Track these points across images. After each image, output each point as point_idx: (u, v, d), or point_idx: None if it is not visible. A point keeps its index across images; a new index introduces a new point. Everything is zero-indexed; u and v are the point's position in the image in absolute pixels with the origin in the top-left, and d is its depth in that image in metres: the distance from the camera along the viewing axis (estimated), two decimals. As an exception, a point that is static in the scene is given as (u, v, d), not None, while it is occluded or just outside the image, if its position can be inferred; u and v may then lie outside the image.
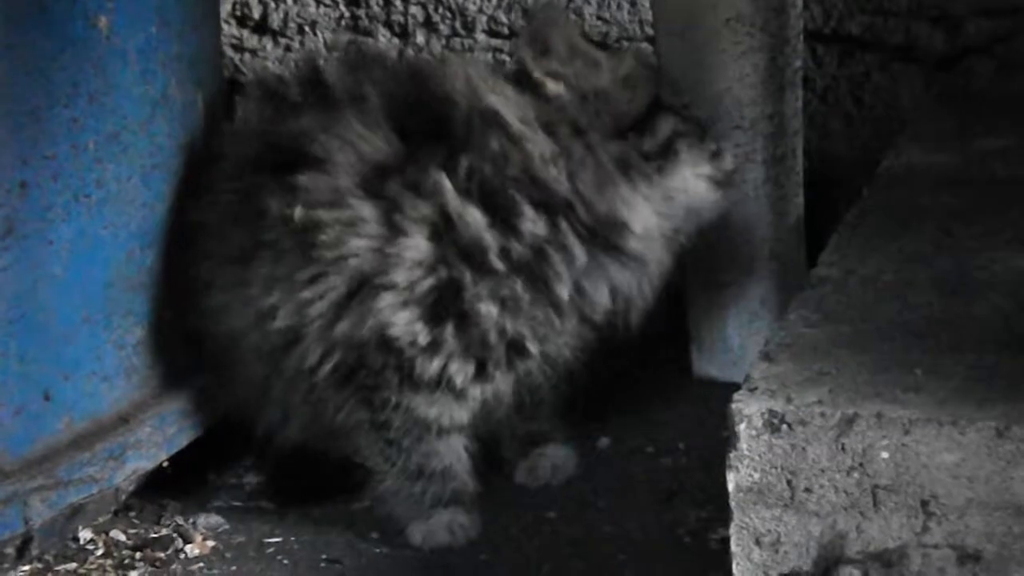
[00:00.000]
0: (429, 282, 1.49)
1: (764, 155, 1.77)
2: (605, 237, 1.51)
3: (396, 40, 2.12)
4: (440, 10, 2.11)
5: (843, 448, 1.23)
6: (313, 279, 1.50)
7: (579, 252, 1.50)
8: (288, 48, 2.15)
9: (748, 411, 1.25)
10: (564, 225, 1.49)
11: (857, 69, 2.02)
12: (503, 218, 1.49)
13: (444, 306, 1.49)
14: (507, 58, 2.06)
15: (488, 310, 1.49)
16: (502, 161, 1.49)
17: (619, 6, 2.06)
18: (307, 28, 2.15)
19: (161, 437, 1.62)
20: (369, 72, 1.58)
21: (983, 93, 1.92)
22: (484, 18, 2.11)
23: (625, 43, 2.04)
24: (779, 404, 1.25)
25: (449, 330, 1.49)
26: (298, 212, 1.50)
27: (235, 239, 1.55)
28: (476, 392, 1.53)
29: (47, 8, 1.47)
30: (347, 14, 2.14)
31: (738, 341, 1.82)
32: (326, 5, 2.15)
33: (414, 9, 2.12)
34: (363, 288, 1.49)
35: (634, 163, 1.51)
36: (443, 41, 2.11)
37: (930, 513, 1.22)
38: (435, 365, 1.50)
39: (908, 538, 1.22)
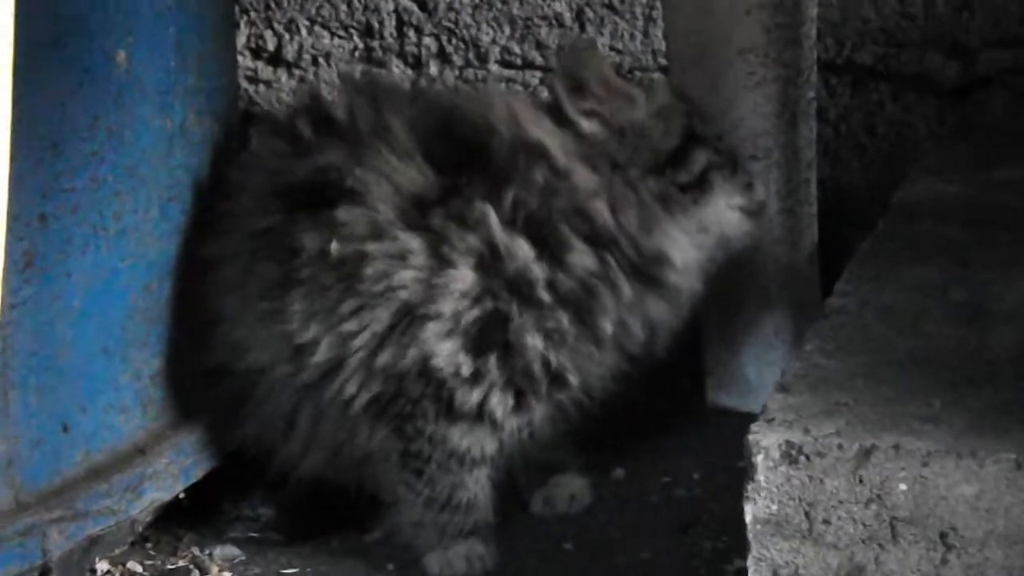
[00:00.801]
0: (475, 313, 1.50)
1: (778, 185, 1.77)
2: (648, 272, 1.53)
3: (410, 71, 2.13)
4: (454, 41, 2.13)
5: (861, 480, 1.23)
6: (355, 311, 1.51)
7: (625, 287, 1.52)
8: (303, 79, 2.17)
9: (766, 443, 1.25)
10: (611, 260, 1.51)
11: (871, 99, 2.03)
12: (551, 251, 1.51)
13: (489, 337, 1.50)
14: (520, 88, 2.07)
15: (534, 342, 1.51)
16: (548, 194, 1.51)
17: (632, 36, 2.07)
18: (321, 59, 2.17)
19: (178, 468, 1.62)
20: (388, 103, 1.59)
21: (997, 124, 1.93)
22: (497, 49, 2.12)
23: (638, 73, 2.06)
24: (796, 435, 1.25)
25: (493, 361, 1.50)
26: (335, 246, 1.50)
27: (261, 274, 1.55)
28: (513, 424, 1.54)
29: (66, 43, 1.48)
30: (361, 45, 2.16)
31: (753, 371, 1.82)
32: (340, 36, 2.17)
33: (427, 40, 2.13)
34: (407, 319, 1.50)
35: (673, 197, 1.53)
36: (456, 72, 2.12)
37: (949, 546, 1.22)
38: (475, 396, 1.51)
39: (927, 570, 1.22)
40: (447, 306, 1.49)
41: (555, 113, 1.54)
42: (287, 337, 1.54)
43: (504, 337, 1.50)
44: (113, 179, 1.54)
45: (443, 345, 1.50)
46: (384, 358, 1.51)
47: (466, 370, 1.50)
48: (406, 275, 1.50)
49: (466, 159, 1.53)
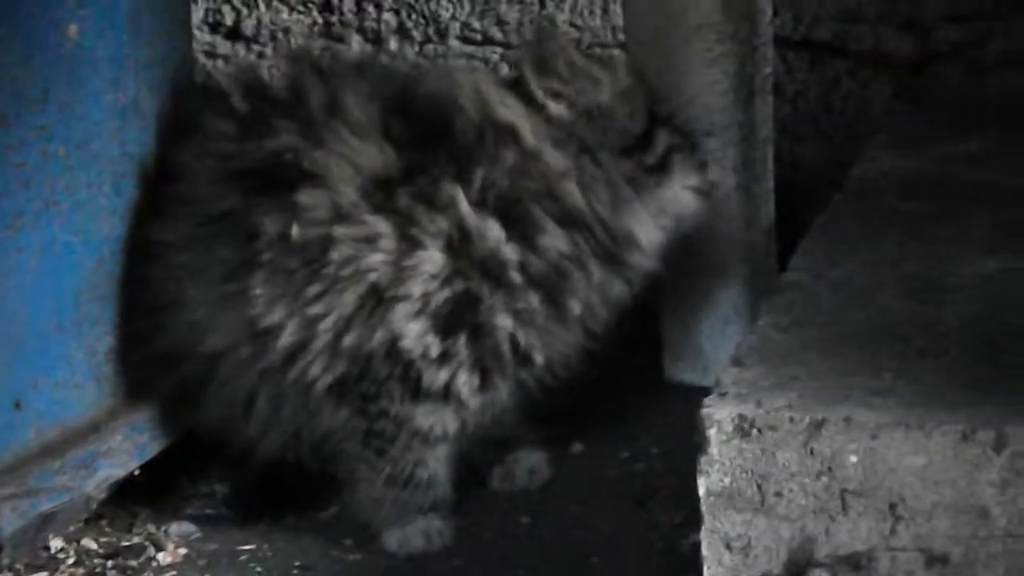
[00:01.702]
0: (444, 294, 1.50)
1: (734, 161, 1.77)
2: (615, 253, 1.54)
3: (369, 47, 2.12)
4: (413, 16, 2.12)
5: (812, 452, 1.24)
6: (321, 294, 1.51)
7: (595, 268, 1.53)
8: (261, 55, 2.15)
9: (718, 416, 1.26)
10: (582, 242, 1.52)
11: (827, 75, 2.04)
12: (521, 232, 1.51)
13: (458, 318, 1.50)
14: (481, 65, 2.07)
15: (504, 323, 1.51)
16: (518, 175, 1.51)
17: (591, 13, 2.07)
18: (280, 34, 2.15)
19: (132, 445, 1.61)
20: (338, 78, 1.58)
21: (952, 98, 1.94)
22: (457, 25, 2.11)
23: (598, 49, 2.05)
24: (749, 409, 1.25)
25: (462, 342, 1.51)
26: (296, 231, 1.49)
27: (220, 258, 1.54)
28: (477, 402, 1.54)
29: (16, 15, 1.47)
30: (320, 20, 2.14)
31: (710, 346, 1.83)
32: (299, 12, 2.15)
33: (387, 16, 2.12)
34: (375, 301, 1.50)
35: (639, 179, 1.54)
36: (416, 48, 2.12)
37: (898, 516, 1.23)
38: (443, 376, 1.52)
39: (876, 541, 1.23)
40: (416, 288, 1.49)
41: (522, 94, 1.53)
42: (248, 320, 1.53)
43: (474, 318, 1.51)
44: (64, 154, 1.53)
45: (411, 326, 1.50)
46: (350, 339, 1.51)
47: (434, 351, 1.51)
48: (375, 258, 1.49)
49: (429, 137, 1.52)
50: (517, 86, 1.54)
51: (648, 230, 1.54)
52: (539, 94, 1.52)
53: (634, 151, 1.54)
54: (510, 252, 1.51)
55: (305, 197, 1.50)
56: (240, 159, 1.56)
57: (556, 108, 1.53)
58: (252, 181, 1.54)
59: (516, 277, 1.51)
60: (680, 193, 1.57)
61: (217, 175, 1.57)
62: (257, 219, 1.52)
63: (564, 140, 1.52)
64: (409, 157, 1.52)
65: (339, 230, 1.49)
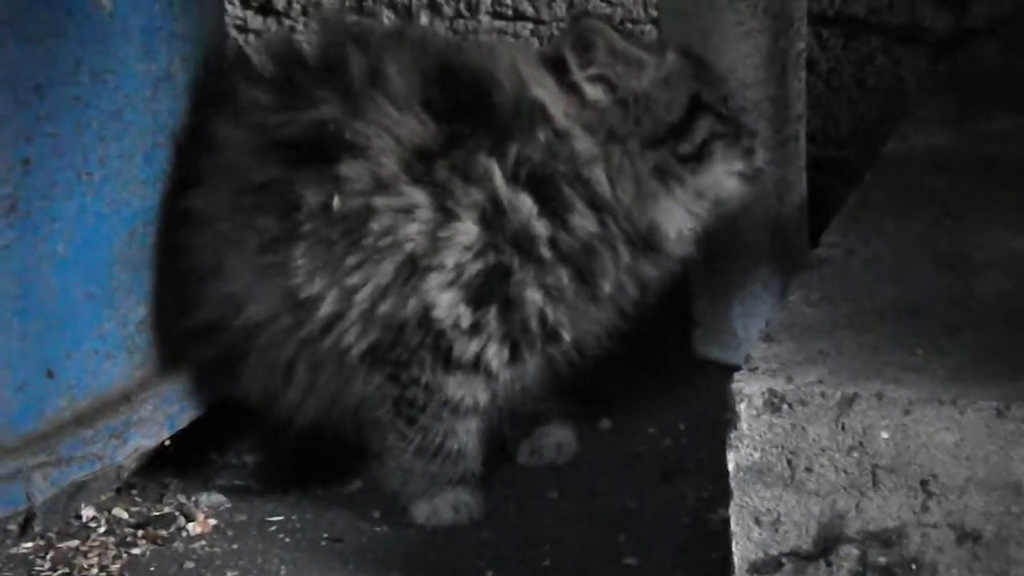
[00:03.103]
0: (477, 266, 1.50)
1: (767, 137, 1.76)
2: (644, 239, 1.54)
3: (398, 21, 2.11)
4: (444, -9, 2.11)
5: (843, 428, 1.23)
6: (360, 264, 1.51)
7: (624, 251, 1.53)
8: (292, 29, 2.15)
9: (749, 391, 1.25)
10: (612, 224, 1.52)
11: (861, 51, 2.02)
12: (552, 209, 1.51)
13: (490, 290, 1.51)
14: (516, 40, 2.06)
15: (533, 297, 1.52)
16: (550, 154, 1.51)
17: (623, -12, 2.06)
18: (311, 9, 2.15)
19: (163, 415, 1.62)
20: (380, 48, 1.58)
21: (987, 75, 1.92)
22: (488, 0, 2.10)
23: (630, 25, 2.04)
24: (779, 384, 1.25)
25: (492, 314, 1.51)
26: (337, 202, 1.50)
27: (260, 229, 1.55)
28: (507, 375, 1.55)
29: (50, -16, 1.47)
30: (351, -5, 2.14)
31: (740, 323, 1.82)
32: (330, -14, 2.15)
33: (418, -10, 2.12)
34: (410, 270, 1.51)
35: (670, 169, 1.53)
36: (447, 23, 2.11)
37: (930, 492, 1.22)
38: (473, 347, 1.52)
39: (907, 517, 1.22)
40: (450, 258, 1.50)
41: (560, 74, 1.53)
42: (289, 291, 1.54)
43: (505, 291, 1.51)
44: (97, 124, 1.53)
45: (444, 296, 1.50)
46: (384, 308, 1.52)
47: (465, 322, 1.51)
48: (412, 228, 1.50)
49: (468, 110, 1.52)
50: (557, 66, 1.53)
51: (676, 221, 1.54)
52: (577, 76, 1.52)
53: (668, 140, 1.53)
54: (541, 227, 1.51)
55: (346, 168, 1.51)
56: (281, 130, 1.56)
57: (593, 92, 1.52)
58: (293, 152, 1.54)
59: (546, 252, 1.51)
60: (723, 178, 1.56)
61: (257, 145, 1.57)
62: (298, 190, 1.52)
63: (596, 126, 1.52)
64: (448, 129, 1.52)
65: (379, 201, 1.50)
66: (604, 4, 2.06)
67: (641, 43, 1.58)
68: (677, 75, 1.56)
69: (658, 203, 1.53)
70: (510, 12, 2.09)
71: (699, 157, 1.54)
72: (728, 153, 1.56)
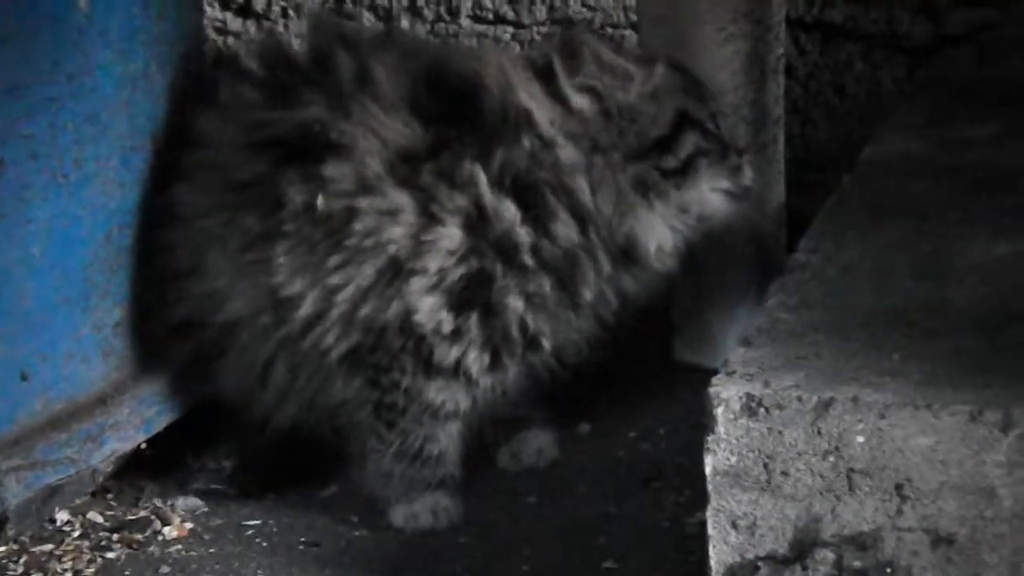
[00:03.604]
0: (460, 271, 1.51)
1: (745, 142, 1.77)
2: (623, 252, 1.54)
3: (380, 24, 2.11)
4: (425, -5, 2.11)
5: (819, 432, 1.23)
6: (342, 265, 1.51)
7: (605, 262, 1.53)
8: (272, 31, 2.14)
9: (726, 395, 1.25)
10: (593, 235, 1.51)
11: (839, 57, 2.03)
12: (535, 216, 1.51)
13: (471, 296, 1.51)
14: (503, 45, 2.06)
15: (515, 304, 1.52)
16: (533, 162, 1.51)
17: (603, -8, 2.06)
18: (291, 11, 2.15)
19: (139, 419, 1.62)
20: (368, 50, 1.58)
21: (964, 82, 1.93)
22: (469, 3, 2.10)
23: (610, 29, 2.05)
24: (757, 388, 1.25)
25: (473, 320, 1.51)
26: (321, 201, 1.50)
27: (243, 226, 1.55)
28: (487, 381, 1.55)
29: (26, -15, 1.47)
30: (331, -2, 2.14)
31: (719, 327, 1.82)
32: (310, -11, 2.15)
33: (399, -7, 2.12)
34: (392, 273, 1.51)
35: (652, 183, 1.53)
36: (428, 26, 2.11)
37: (904, 497, 1.22)
38: (454, 353, 1.52)
39: (883, 521, 1.23)
40: (433, 263, 1.50)
41: (547, 81, 1.53)
42: (270, 289, 1.53)
43: (487, 297, 1.51)
44: (73, 126, 1.53)
45: (426, 300, 1.50)
46: (366, 310, 1.52)
47: (447, 327, 1.51)
48: (396, 231, 1.50)
49: (455, 114, 1.52)
50: (545, 73, 1.53)
51: (657, 235, 1.54)
52: (564, 85, 1.52)
53: (651, 154, 1.53)
54: (524, 234, 1.51)
55: (331, 169, 1.51)
56: (267, 128, 1.56)
57: (579, 101, 1.52)
58: (278, 150, 1.54)
59: (528, 259, 1.52)
60: (708, 195, 1.56)
61: (243, 143, 1.57)
62: (283, 189, 1.52)
63: (580, 135, 1.52)
64: (434, 133, 1.52)
65: (363, 202, 1.50)
66: (584, 9, 2.07)
67: (631, 55, 1.58)
68: (665, 89, 1.56)
69: (638, 216, 1.53)
70: (491, 16, 2.10)
71: (683, 172, 1.54)
72: (714, 170, 1.56)
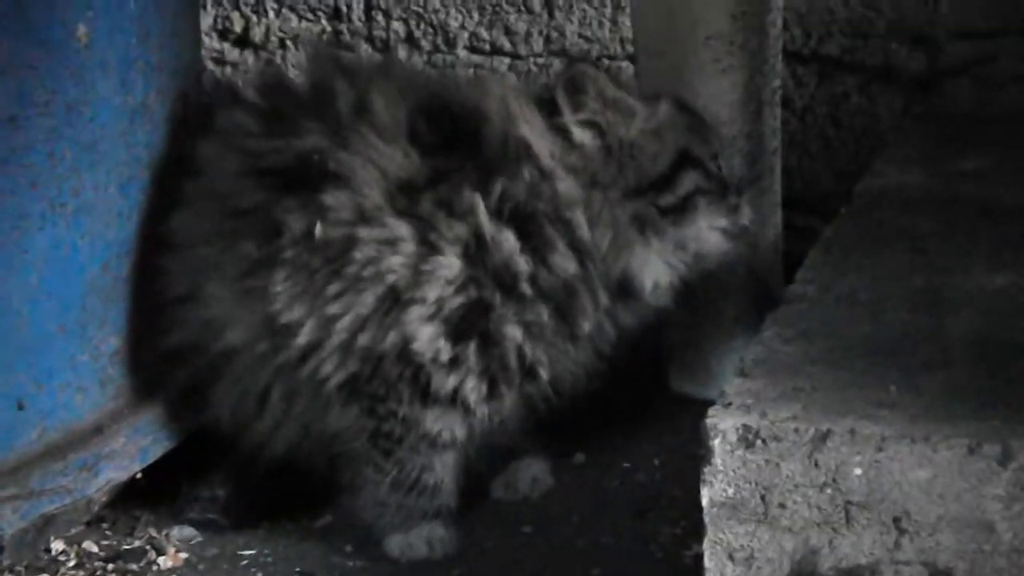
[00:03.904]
0: (459, 300, 1.51)
1: (742, 173, 1.77)
2: (619, 286, 1.54)
3: (378, 56, 2.12)
4: (422, 26, 2.12)
5: (816, 464, 1.23)
6: (341, 294, 1.51)
7: (603, 295, 1.54)
8: (270, 62, 2.15)
9: (723, 426, 1.25)
10: (591, 267, 1.52)
11: (836, 90, 2.04)
12: (534, 246, 1.52)
13: (470, 325, 1.51)
14: (509, 76, 2.07)
15: (513, 333, 1.52)
16: (532, 193, 1.51)
17: (600, 24, 2.08)
18: (289, 43, 2.16)
19: (135, 448, 1.61)
20: (368, 81, 1.58)
21: (961, 115, 1.94)
22: (466, 34, 2.11)
23: (606, 61, 2.06)
24: (754, 419, 1.25)
25: (472, 349, 1.52)
26: (319, 230, 1.50)
27: (241, 253, 1.55)
28: (484, 411, 1.55)
29: (25, 15, 1.47)
30: (329, 29, 2.15)
31: (715, 358, 1.82)
32: (308, 20, 2.16)
33: (396, 24, 2.13)
34: (391, 302, 1.51)
35: (650, 220, 1.54)
36: (425, 57, 2.12)
37: (902, 530, 1.22)
38: (451, 382, 1.52)
39: (880, 555, 1.22)
40: (432, 292, 1.50)
41: (550, 114, 1.54)
42: (267, 317, 1.54)
43: (485, 326, 1.51)
44: (72, 155, 1.53)
45: (424, 330, 1.51)
46: (364, 339, 1.52)
47: (445, 356, 1.51)
48: (395, 260, 1.50)
49: (455, 143, 1.53)
50: (548, 106, 1.54)
51: (653, 271, 1.55)
52: (567, 118, 1.53)
53: (651, 191, 1.54)
54: (523, 264, 1.52)
55: (330, 198, 1.51)
56: (267, 157, 1.56)
57: (581, 135, 1.53)
58: (277, 179, 1.55)
59: (527, 289, 1.52)
60: (705, 233, 1.57)
61: (242, 171, 1.57)
62: (281, 217, 1.52)
63: (580, 169, 1.53)
64: (433, 162, 1.53)
65: (363, 231, 1.51)
66: (582, 40, 2.08)
67: (635, 92, 1.59)
68: (667, 127, 1.57)
69: (634, 252, 1.53)
70: (487, 47, 2.11)
71: (682, 210, 1.55)
72: (712, 209, 1.57)
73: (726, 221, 1.58)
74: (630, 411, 1.82)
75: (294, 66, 2.11)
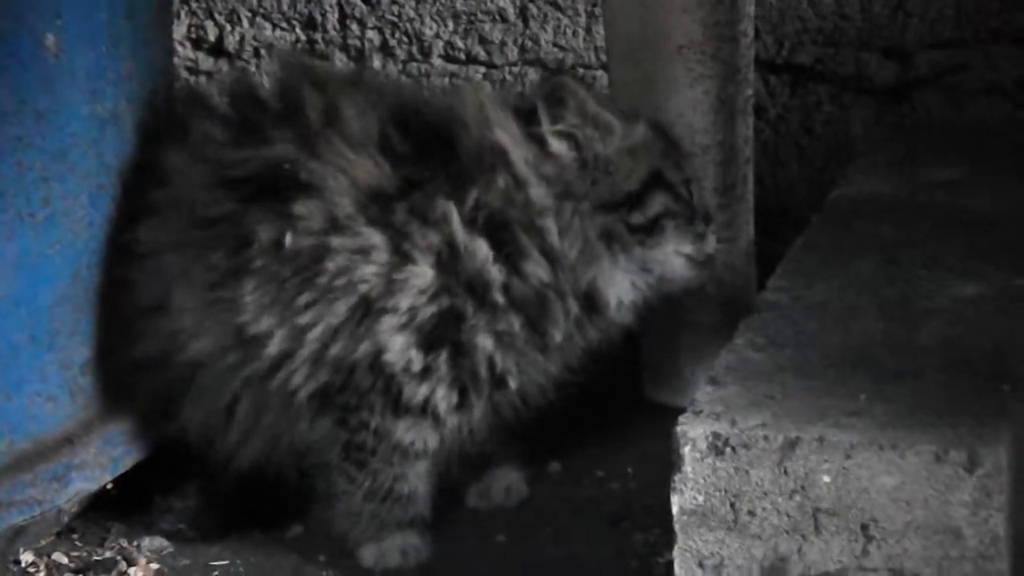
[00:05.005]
0: (431, 309, 1.51)
1: (715, 182, 1.78)
2: (586, 298, 1.55)
3: (352, 64, 2.12)
4: (397, 35, 2.12)
5: (786, 471, 1.24)
6: (312, 304, 1.51)
7: (573, 305, 1.54)
8: (244, 71, 2.15)
9: (693, 434, 1.26)
10: (562, 276, 1.53)
11: (809, 99, 2.05)
12: (507, 255, 1.52)
13: (442, 334, 1.51)
14: (485, 85, 2.07)
15: (484, 343, 1.52)
16: (506, 200, 1.51)
17: (575, 33, 2.08)
18: (263, 51, 2.16)
19: (106, 458, 1.60)
20: (341, 91, 1.58)
21: (932, 124, 1.95)
22: (441, 43, 2.12)
23: (581, 70, 2.06)
24: (723, 427, 1.25)
25: (443, 358, 1.52)
26: (289, 239, 1.50)
27: (210, 263, 1.54)
28: (454, 420, 1.55)
29: (-7, 25, 1.47)
30: (303, 38, 2.15)
31: (689, 367, 1.83)
32: (282, 28, 2.16)
33: (371, 33, 2.13)
34: (363, 312, 1.50)
35: (617, 235, 1.54)
36: (399, 66, 2.12)
37: (870, 537, 1.22)
38: (423, 391, 1.52)
39: (848, 561, 1.23)
40: (404, 301, 1.50)
41: (527, 123, 1.54)
42: (236, 327, 1.53)
43: (456, 335, 1.51)
44: (41, 165, 1.52)
45: (396, 339, 1.50)
46: (335, 350, 1.51)
47: (416, 365, 1.51)
48: (368, 270, 1.50)
49: (430, 152, 1.53)
50: (526, 116, 1.55)
51: (618, 289, 1.55)
52: (545, 128, 1.53)
53: (621, 207, 1.54)
54: (496, 272, 1.52)
55: (300, 207, 1.51)
56: (236, 167, 1.56)
57: (557, 146, 1.54)
58: (247, 188, 1.54)
59: (499, 298, 1.52)
60: (671, 257, 1.57)
61: (210, 180, 1.57)
62: (250, 226, 1.52)
63: (553, 179, 1.53)
64: (406, 171, 1.52)
65: (335, 241, 1.50)
66: (556, 49, 2.08)
67: (615, 109, 1.60)
68: (643, 147, 1.57)
69: (601, 266, 1.54)
70: (462, 56, 2.11)
71: (649, 230, 1.56)
72: (679, 233, 1.57)
73: (692, 248, 1.58)
74: (605, 420, 1.82)
75: (267, 75, 2.10)
